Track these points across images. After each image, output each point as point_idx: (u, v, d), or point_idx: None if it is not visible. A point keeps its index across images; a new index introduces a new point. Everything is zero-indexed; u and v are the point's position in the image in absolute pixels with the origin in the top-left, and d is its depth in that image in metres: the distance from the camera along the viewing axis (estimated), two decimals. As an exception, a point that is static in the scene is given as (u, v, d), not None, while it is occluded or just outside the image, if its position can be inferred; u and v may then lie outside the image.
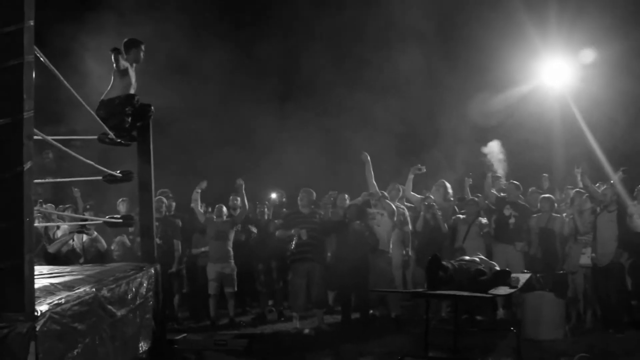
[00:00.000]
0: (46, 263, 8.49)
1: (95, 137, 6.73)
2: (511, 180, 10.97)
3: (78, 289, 4.31)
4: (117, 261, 9.47)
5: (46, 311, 3.55)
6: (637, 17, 13.74)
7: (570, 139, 14.43)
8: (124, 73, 6.78)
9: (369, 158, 10.77)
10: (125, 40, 6.96)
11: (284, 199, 12.79)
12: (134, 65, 6.95)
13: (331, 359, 7.81)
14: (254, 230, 11.26)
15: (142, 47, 7.02)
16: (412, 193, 11.11)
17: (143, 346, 5.95)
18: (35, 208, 9.69)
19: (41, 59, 4.07)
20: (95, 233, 9.70)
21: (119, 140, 6.75)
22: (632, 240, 9.19)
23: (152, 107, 7.09)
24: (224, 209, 10.77)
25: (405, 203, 11.10)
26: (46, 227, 9.82)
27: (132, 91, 6.85)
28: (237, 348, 8.48)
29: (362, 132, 14.42)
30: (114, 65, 6.67)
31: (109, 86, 6.82)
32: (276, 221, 11.42)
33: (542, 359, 7.32)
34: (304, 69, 15.39)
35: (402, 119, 14.78)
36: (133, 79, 6.89)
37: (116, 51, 6.66)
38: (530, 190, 11.49)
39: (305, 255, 9.91)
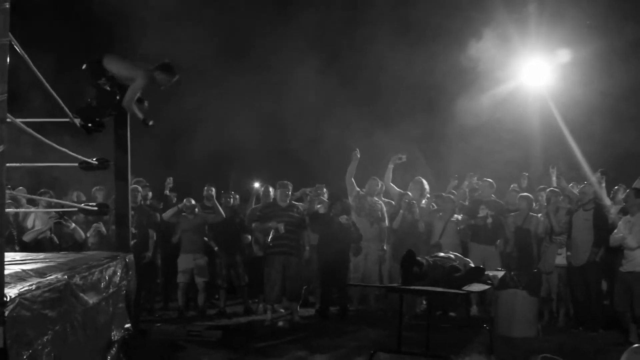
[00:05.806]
0: (21, 250, 8.40)
1: (67, 119, 6.49)
2: (484, 178, 11.04)
3: (50, 275, 4.26)
4: (93, 249, 9.38)
5: (16, 297, 3.46)
6: (615, 17, 13.83)
7: (548, 138, 14.53)
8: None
9: (358, 156, 10.80)
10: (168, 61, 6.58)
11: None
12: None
13: (304, 352, 7.81)
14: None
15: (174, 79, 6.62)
16: (391, 184, 11.08)
17: (115, 335, 5.91)
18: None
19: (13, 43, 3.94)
20: (73, 224, 9.57)
21: (89, 125, 6.54)
22: (607, 238, 9.20)
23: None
24: (193, 201, 10.71)
25: (383, 198, 11.10)
26: (16, 214, 9.63)
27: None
28: (210, 339, 8.51)
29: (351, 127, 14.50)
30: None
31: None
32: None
33: (513, 356, 7.37)
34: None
35: (386, 118, 14.80)
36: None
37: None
38: (511, 187, 11.56)
39: (281, 249, 9.89)
